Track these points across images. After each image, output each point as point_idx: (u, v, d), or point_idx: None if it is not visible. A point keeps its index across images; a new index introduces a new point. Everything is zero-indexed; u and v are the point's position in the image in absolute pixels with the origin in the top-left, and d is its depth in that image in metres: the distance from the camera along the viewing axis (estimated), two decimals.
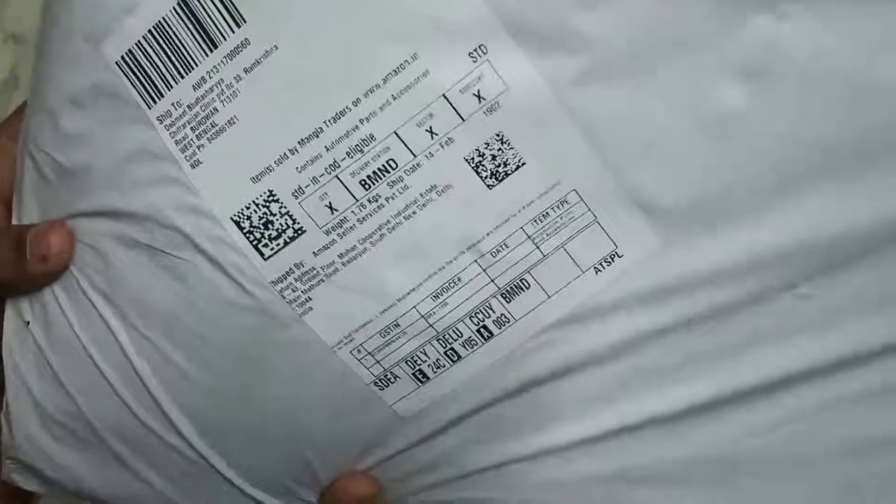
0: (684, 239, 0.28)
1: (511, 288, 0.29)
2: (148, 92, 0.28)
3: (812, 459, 0.30)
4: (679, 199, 0.28)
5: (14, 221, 0.33)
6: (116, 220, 0.30)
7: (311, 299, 0.29)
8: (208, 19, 0.27)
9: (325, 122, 0.27)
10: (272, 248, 0.28)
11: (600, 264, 0.28)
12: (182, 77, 0.27)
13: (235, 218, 0.28)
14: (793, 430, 0.29)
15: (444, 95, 0.27)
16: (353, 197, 0.28)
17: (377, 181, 0.27)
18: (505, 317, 0.29)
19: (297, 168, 0.27)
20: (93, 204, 0.30)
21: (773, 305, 0.29)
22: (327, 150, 0.27)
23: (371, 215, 0.28)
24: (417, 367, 0.30)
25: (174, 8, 0.27)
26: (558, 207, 0.28)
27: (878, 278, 0.28)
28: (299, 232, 0.28)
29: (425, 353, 0.30)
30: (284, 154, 0.27)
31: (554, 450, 0.30)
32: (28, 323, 0.32)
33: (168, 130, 0.28)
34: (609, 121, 0.27)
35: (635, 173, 0.27)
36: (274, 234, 0.28)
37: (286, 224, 0.28)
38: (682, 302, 0.29)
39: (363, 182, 0.27)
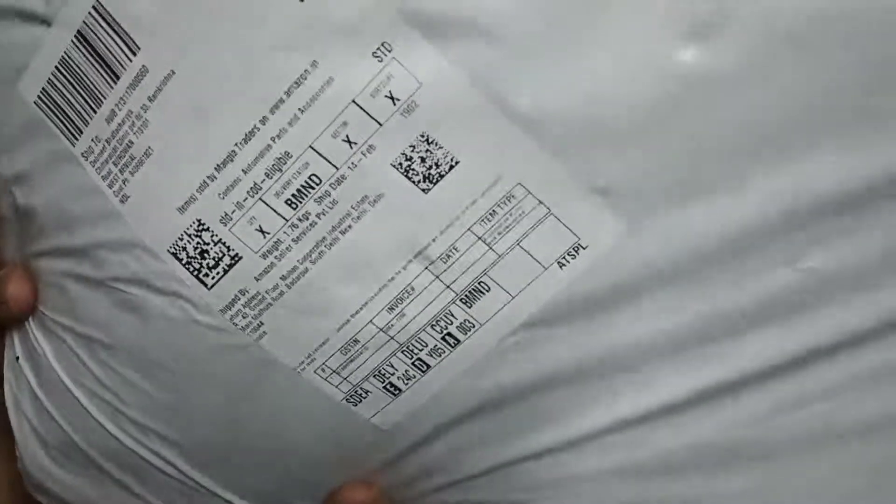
0: (655, 219, 0.25)
1: (470, 292, 0.27)
2: (68, 129, 0.27)
3: (827, 439, 0.27)
4: (641, 178, 0.25)
5: None
6: (69, 258, 0.29)
7: (263, 324, 0.27)
8: (105, 49, 0.25)
9: (236, 144, 0.25)
10: (213, 277, 0.27)
11: (564, 258, 0.26)
12: (94, 111, 0.26)
13: (172, 250, 0.27)
14: (800, 413, 0.27)
15: (354, 101, 0.24)
16: (282, 218, 0.26)
17: (303, 199, 0.26)
18: (469, 322, 0.27)
19: (219, 194, 0.26)
20: (46, 244, 0.30)
21: (774, 282, 0.26)
22: (245, 172, 0.25)
23: (305, 234, 0.26)
24: (387, 381, 0.28)
25: (73, 41, 0.25)
26: (505, 204, 0.25)
27: (880, 243, 0.25)
28: (236, 259, 0.27)
29: (392, 366, 0.28)
30: (204, 181, 0.26)
31: (555, 448, 0.28)
32: (18, 358, 0.33)
33: (93, 166, 0.27)
34: (546, 104, 0.24)
35: (587, 156, 0.24)
36: (212, 262, 0.27)
37: (221, 252, 0.27)
38: (664, 286, 0.26)
39: (289, 201, 0.26)
